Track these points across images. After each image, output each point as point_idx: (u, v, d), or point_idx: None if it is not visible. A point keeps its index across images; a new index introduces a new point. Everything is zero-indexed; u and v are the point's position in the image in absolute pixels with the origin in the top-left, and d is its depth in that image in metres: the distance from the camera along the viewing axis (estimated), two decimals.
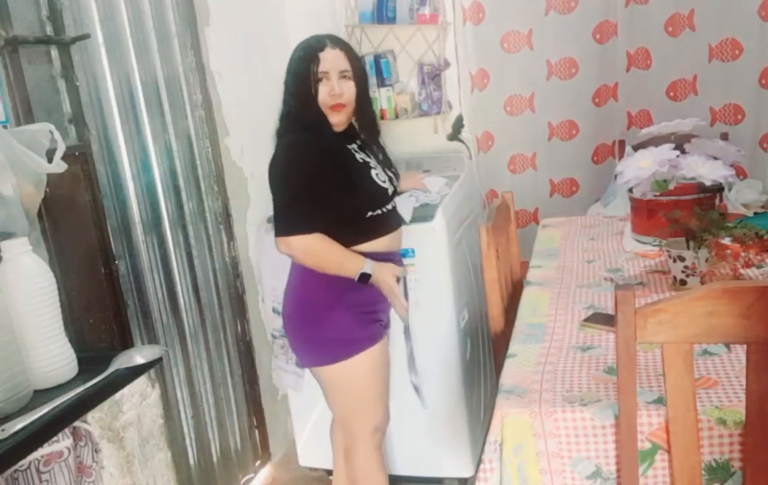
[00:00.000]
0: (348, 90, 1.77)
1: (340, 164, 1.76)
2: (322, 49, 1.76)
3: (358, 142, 1.88)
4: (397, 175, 1.95)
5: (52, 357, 1.34)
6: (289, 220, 1.71)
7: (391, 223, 1.86)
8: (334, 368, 1.81)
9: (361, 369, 1.82)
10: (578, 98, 2.87)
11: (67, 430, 1.29)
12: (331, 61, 1.76)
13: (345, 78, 1.77)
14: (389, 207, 1.84)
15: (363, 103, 1.84)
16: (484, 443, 1.27)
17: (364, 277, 1.75)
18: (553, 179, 3.00)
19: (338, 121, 1.79)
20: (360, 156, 1.83)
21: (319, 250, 1.72)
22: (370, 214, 1.78)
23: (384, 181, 1.83)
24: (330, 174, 1.71)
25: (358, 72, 1.81)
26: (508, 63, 2.88)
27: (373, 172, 1.81)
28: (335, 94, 1.75)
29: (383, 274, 1.78)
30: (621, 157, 2.77)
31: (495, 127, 2.96)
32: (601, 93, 2.87)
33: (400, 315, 1.90)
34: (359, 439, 1.90)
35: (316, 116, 1.77)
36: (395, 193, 1.91)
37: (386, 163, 1.91)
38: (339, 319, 1.77)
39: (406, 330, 2.04)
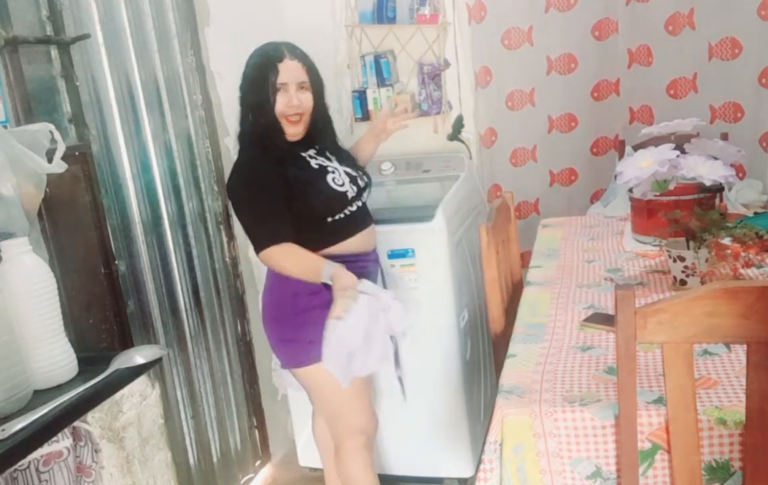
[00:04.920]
0: (305, 101, 1.79)
1: (292, 175, 1.75)
2: (280, 60, 1.75)
3: (317, 147, 1.86)
4: (364, 173, 1.93)
5: (52, 357, 1.34)
6: (262, 234, 1.74)
7: (357, 224, 1.84)
8: (311, 370, 1.80)
9: None
10: (577, 92, 2.90)
11: (66, 430, 1.30)
12: (290, 72, 1.76)
13: (303, 89, 1.78)
14: (352, 208, 1.82)
15: (318, 112, 1.84)
16: (484, 443, 1.27)
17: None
18: (553, 169, 3.02)
19: (294, 131, 1.81)
20: (316, 161, 1.82)
21: (293, 256, 1.73)
22: (329, 219, 1.78)
23: (341, 185, 1.80)
24: (280, 187, 1.72)
25: (316, 82, 1.82)
26: (509, 59, 2.89)
27: (329, 177, 1.79)
28: (293, 106, 1.77)
29: (343, 276, 1.72)
30: (621, 156, 2.78)
31: (497, 122, 2.97)
32: (600, 87, 2.90)
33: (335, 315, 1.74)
34: (344, 440, 1.90)
35: (271, 127, 1.77)
36: (362, 190, 1.88)
37: (349, 163, 1.89)
38: (315, 320, 1.75)
39: None
